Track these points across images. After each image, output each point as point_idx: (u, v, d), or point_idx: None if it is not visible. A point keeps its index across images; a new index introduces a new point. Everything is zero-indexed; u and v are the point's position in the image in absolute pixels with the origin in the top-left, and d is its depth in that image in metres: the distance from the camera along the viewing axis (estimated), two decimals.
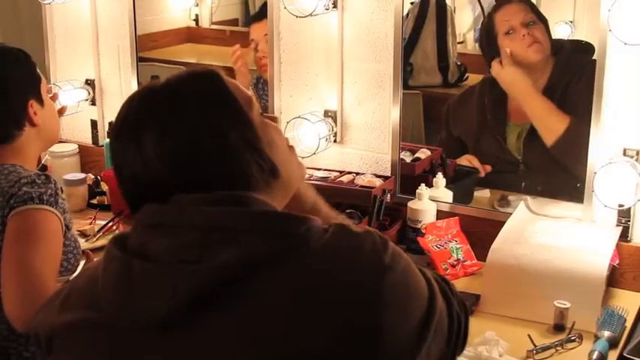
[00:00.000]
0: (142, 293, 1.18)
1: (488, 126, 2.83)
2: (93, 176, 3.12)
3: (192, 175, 1.24)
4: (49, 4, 3.30)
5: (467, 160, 2.82)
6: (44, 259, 1.89)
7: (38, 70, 2.20)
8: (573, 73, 2.62)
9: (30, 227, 1.92)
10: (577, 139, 2.42)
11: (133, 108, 1.30)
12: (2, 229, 1.93)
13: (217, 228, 1.18)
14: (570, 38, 2.75)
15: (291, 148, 1.42)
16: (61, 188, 2.05)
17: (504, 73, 2.73)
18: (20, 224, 1.92)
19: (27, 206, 1.93)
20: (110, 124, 3.20)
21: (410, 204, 2.56)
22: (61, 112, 2.45)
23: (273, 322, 1.14)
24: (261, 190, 1.27)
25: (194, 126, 1.25)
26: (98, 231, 2.73)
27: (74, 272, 2.13)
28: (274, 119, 1.39)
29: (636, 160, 2.28)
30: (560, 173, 2.65)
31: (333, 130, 2.78)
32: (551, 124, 2.64)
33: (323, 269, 1.17)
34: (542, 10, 2.77)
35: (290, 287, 1.15)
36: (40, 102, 2.16)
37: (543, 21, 2.71)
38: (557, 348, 2.01)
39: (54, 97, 2.35)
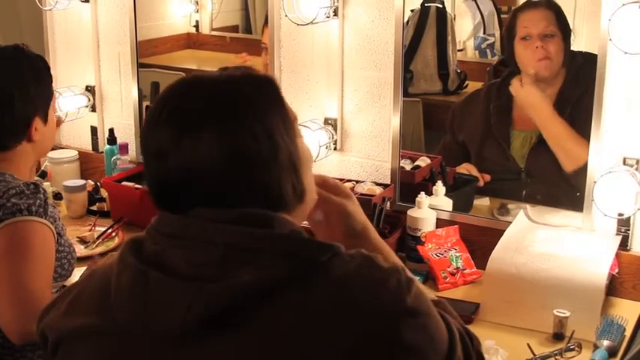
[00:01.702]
0: (156, 304, 1.17)
1: (492, 132, 2.82)
2: (93, 183, 3.12)
3: (232, 181, 1.20)
4: (50, 10, 3.31)
5: (465, 169, 2.81)
6: (36, 271, 1.89)
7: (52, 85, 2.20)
8: (585, 88, 2.52)
9: (20, 240, 1.91)
10: None
11: (191, 99, 1.24)
12: None
13: (239, 247, 1.17)
14: (579, 50, 2.72)
15: None
16: (58, 195, 2.04)
17: (524, 93, 2.69)
18: (10, 237, 1.91)
19: (15, 218, 1.92)
20: (148, 108, 3.20)
21: (410, 212, 2.56)
22: (58, 124, 2.35)
23: (288, 342, 1.13)
24: (286, 212, 1.25)
25: (254, 131, 1.21)
26: (97, 237, 2.73)
27: (69, 277, 2.14)
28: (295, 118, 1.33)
29: (636, 169, 2.28)
30: (561, 183, 2.64)
31: (333, 137, 2.79)
32: (573, 152, 2.56)
33: (343, 296, 1.15)
34: None
35: (307, 311, 1.14)
36: (45, 120, 2.15)
37: (564, 33, 2.66)
38: (557, 357, 2.01)
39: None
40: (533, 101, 2.69)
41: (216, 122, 1.21)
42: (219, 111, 1.22)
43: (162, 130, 1.23)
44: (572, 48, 2.71)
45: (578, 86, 2.62)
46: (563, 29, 2.68)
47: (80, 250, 2.58)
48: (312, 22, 2.62)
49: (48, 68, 2.20)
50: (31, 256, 1.90)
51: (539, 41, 2.66)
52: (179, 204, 1.23)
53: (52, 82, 2.20)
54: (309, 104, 2.84)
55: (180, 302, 1.15)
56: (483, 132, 2.85)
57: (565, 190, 2.63)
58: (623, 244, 2.34)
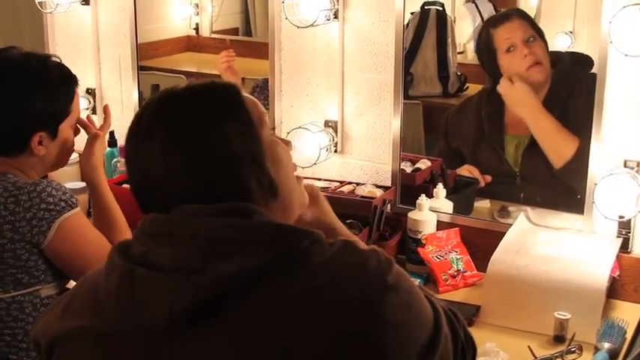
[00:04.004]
0: (143, 301, 1.19)
1: (485, 137, 2.83)
2: None
3: (192, 180, 1.25)
4: (51, 13, 3.31)
5: (467, 171, 2.81)
6: (95, 236, 2.13)
7: (75, 102, 2.16)
8: (573, 88, 2.58)
9: (75, 228, 2.06)
10: (585, 161, 2.38)
11: (150, 108, 1.31)
12: (37, 240, 2.00)
13: (221, 239, 1.19)
14: (569, 50, 2.74)
15: (299, 178, 1.42)
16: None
17: (514, 91, 2.67)
18: (68, 230, 2.03)
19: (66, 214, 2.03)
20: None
21: (410, 214, 2.56)
22: (75, 133, 2.31)
23: (276, 331, 1.14)
24: (260, 207, 1.27)
25: (202, 130, 1.26)
26: None
27: None
28: (288, 143, 1.41)
29: (637, 171, 2.28)
30: (560, 185, 2.64)
31: (333, 140, 2.79)
32: (560, 147, 2.58)
33: (325, 282, 1.17)
34: (542, 20, 2.77)
35: (292, 298, 1.16)
36: (53, 135, 2.12)
37: (542, 36, 2.69)
38: (558, 359, 2.01)
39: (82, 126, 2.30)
40: (522, 97, 2.68)
41: (166, 126, 1.27)
42: (168, 115, 1.28)
43: (129, 142, 1.32)
44: (561, 49, 2.73)
45: (566, 86, 2.63)
46: (540, 33, 2.70)
47: None
48: (312, 25, 2.62)
49: (66, 82, 2.16)
50: (90, 232, 2.11)
51: (526, 48, 2.66)
52: (159, 204, 1.27)
53: (71, 97, 2.15)
54: (309, 107, 2.85)
55: (166, 295, 1.16)
56: (477, 138, 2.85)
57: (561, 192, 2.63)
58: (624, 247, 2.34)
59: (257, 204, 1.27)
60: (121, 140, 3.18)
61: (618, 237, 2.35)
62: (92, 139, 2.32)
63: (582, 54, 2.64)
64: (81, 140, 2.33)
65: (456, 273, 2.44)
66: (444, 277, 2.42)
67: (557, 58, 2.70)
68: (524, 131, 2.71)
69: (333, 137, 2.79)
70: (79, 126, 2.27)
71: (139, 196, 1.31)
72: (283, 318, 1.15)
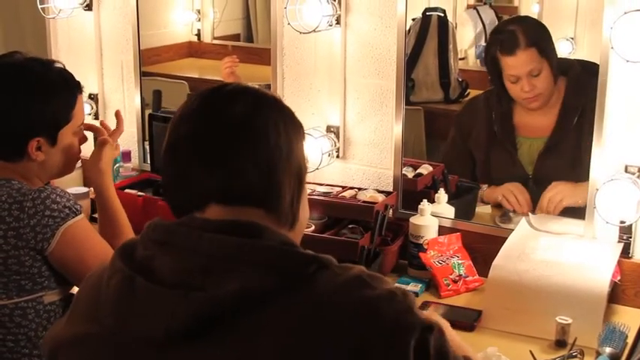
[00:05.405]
0: (141, 312, 1.18)
1: (497, 139, 2.83)
2: None
3: (237, 175, 1.24)
4: (53, 18, 3.32)
5: (510, 192, 2.74)
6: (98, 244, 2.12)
7: (77, 109, 2.14)
8: (588, 96, 2.48)
9: (80, 234, 2.06)
10: None
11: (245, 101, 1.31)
12: (41, 246, 1.99)
13: (224, 257, 1.17)
14: (577, 58, 2.73)
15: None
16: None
17: (560, 194, 2.61)
18: (73, 235, 2.04)
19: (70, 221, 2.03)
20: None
21: (412, 219, 2.56)
22: (81, 142, 2.30)
23: (269, 357, 1.13)
24: (277, 222, 1.27)
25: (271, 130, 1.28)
26: None
27: None
28: None
29: (638, 176, 2.28)
30: None
31: (335, 145, 2.79)
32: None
33: (329, 316, 1.14)
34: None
35: (288, 325, 1.14)
36: (53, 141, 2.10)
37: (550, 57, 2.66)
38: None
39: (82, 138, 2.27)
40: (568, 192, 2.61)
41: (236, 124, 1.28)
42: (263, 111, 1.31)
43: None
44: (569, 57, 2.73)
45: (580, 95, 2.62)
46: (548, 54, 2.67)
47: None
48: (314, 31, 2.63)
49: (68, 88, 2.13)
50: (94, 238, 2.11)
51: (527, 85, 2.66)
52: (192, 203, 1.27)
53: (73, 103, 2.13)
54: (311, 112, 2.85)
55: (164, 309, 1.16)
56: (488, 139, 2.84)
57: None
58: (625, 252, 2.34)
59: (279, 219, 1.27)
60: (123, 146, 3.18)
61: (619, 242, 2.35)
62: (101, 144, 2.32)
63: (591, 62, 2.62)
64: (88, 148, 2.33)
65: (457, 278, 2.44)
66: (445, 282, 2.42)
67: (567, 65, 2.69)
68: (537, 134, 2.73)
69: (335, 142, 2.79)
70: (86, 132, 2.26)
71: (171, 193, 1.31)
72: (279, 342, 1.13)
